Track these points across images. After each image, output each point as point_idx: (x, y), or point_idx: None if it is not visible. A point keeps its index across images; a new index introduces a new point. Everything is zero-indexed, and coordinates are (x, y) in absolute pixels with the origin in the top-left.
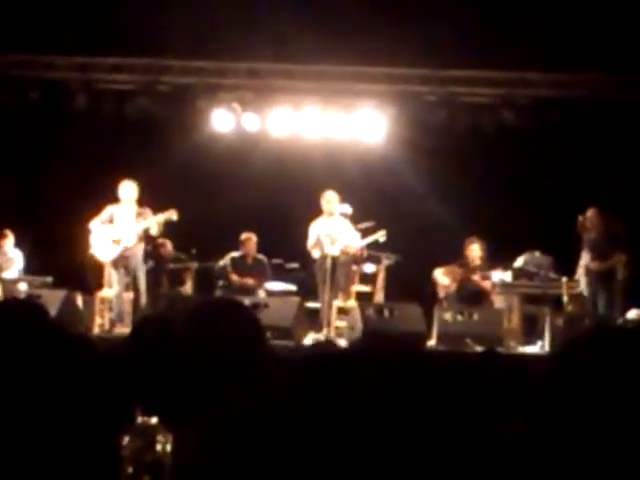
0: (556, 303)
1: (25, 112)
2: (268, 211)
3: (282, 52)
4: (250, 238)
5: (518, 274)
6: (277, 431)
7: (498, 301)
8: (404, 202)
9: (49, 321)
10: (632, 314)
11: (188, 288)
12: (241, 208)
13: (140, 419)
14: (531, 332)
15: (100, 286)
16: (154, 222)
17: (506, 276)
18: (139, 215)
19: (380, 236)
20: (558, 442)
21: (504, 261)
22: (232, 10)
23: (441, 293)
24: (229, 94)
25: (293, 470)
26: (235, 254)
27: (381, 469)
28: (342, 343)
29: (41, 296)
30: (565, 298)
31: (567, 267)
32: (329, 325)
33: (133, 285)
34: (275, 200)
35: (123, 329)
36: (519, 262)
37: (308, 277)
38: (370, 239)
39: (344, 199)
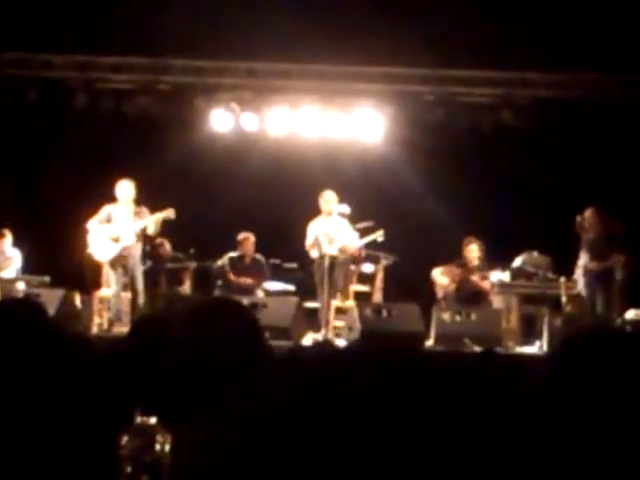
0: (554, 303)
1: (24, 111)
2: (266, 211)
3: (281, 52)
4: (248, 238)
5: (516, 274)
6: (276, 431)
7: (496, 301)
8: (402, 202)
9: (48, 320)
10: (630, 314)
11: (186, 288)
12: (239, 208)
13: (139, 419)
14: (529, 332)
15: (98, 285)
16: (151, 221)
17: (504, 276)
18: (136, 214)
19: (378, 236)
20: (557, 440)
21: (502, 261)
22: (231, 10)
23: (439, 293)
24: (228, 94)
25: (292, 470)
26: (233, 254)
27: (380, 468)
28: (340, 343)
29: (39, 295)
30: (563, 298)
31: (565, 267)
32: (327, 325)
33: (131, 285)
34: (273, 200)
35: (121, 328)
36: (517, 262)
37: (306, 277)
38: (368, 239)
39: (342, 199)
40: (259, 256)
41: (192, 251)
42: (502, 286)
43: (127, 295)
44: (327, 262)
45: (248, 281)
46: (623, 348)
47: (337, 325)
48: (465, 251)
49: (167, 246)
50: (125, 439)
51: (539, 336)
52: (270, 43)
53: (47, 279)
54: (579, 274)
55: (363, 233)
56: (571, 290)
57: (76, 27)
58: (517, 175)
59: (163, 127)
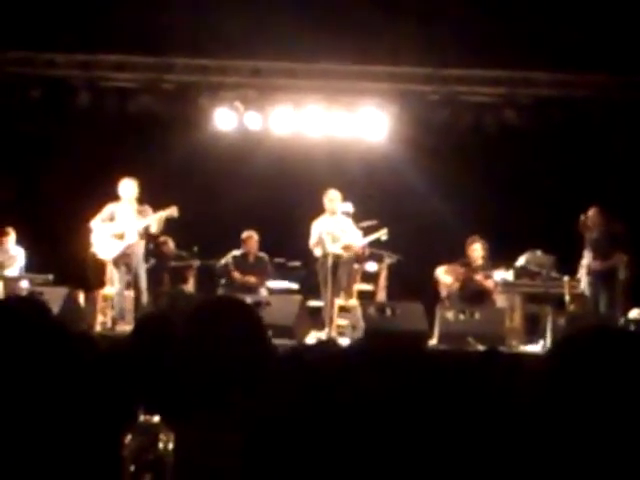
0: (558, 302)
1: (27, 110)
2: (270, 209)
3: (285, 51)
4: (252, 236)
5: (520, 273)
6: (279, 431)
7: (500, 300)
8: (406, 201)
9: (51, 319)
10: (634, 313)
11: (190, 286)
12: (243, 206)
13: (142, 417)
14: (533, 331)
15: (102, 284)
16: (154, 220)
17: (508, 275)
18: (139, 213)
19: (382, 235)
20: (559, 439)
21: (506, 260)
22: (235, 9)
23: (443, 292)
24: (232, 92)
25: (295, 469)
26: (237, 252)
27: (383, 469)
28: (344, 342)
29: (43, 294)
30: (567, 297)
31: (569, 266)
32: (331, 324)
33: (134, 283)
34: (277, 198)
35: (125, 327)
36: (521, 261)
37: (310, 275)
38: (372, 237)
39: (346, 197)
40: (263, 254)
41: (196, 249)
42: (506, 285)
43: (130, 293)
44: (331, 261)
45: (252, 279)
46: (625, 347)
47: (341, 324)
48: (469, 250)
49: (171, 244)
50: (128, 438)
51: (542, 335)
52: (274, 42)
53: (51, 277)
54: (582, 273)
55: (367, 232)
56: (575, 289)
57: (79, 26)
58: (520, 174)
59: (167, 126)
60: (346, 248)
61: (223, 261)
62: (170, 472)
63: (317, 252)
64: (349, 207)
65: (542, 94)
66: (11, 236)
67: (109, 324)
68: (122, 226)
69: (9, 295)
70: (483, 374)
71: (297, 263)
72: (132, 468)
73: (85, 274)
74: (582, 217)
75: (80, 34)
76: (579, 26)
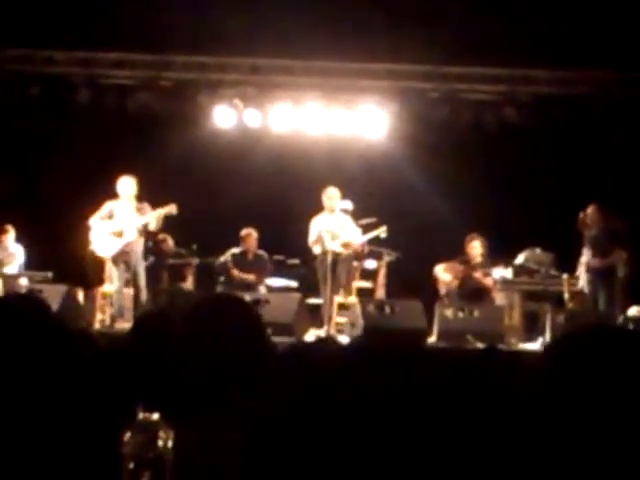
0: (557, 300)
1: (26, 107)
2: (269, 207)
3: (284, 48)
4: (251, 234)
5: (519, 271)
6: (278, 429)
7: (499, 298)
8: (405, 198)
9: (50, 316)
10: (633, 311)
11: (189, 284)
12: (242, 204)
13: (141, 415)
14: (532, 329)
15: (101, 281)
16: (153, 217)
17: (507, 273)
18: (138, 210)
19: (381, 232)
20: (556, 436)
21: (505, 258)
22: (234, 6)
23: (442, 290)
24: (231, 90)
25: (295, 468)
26: (236, 250)
27: (383, 467)
28: (343, 339)
29: (42, 291)
30: (566, 295)
31: (568, 264)
32: (330, 321)
33: (133, 281)
34: (276, 196)
35: (124, 324)
36: (520, 259)
37: (309, 273)
38: (371, 235)
39: (345, 195)
40: (262, 252)
41: (195, 247)
42: (505, 283)
43: (130, 291)
44: (330, 258)
45: (251, 277)
46: (622, 345)
47: (340, 321)
48: (468, 248)
49: (170, 242)
50: (127, 435)
51: (541, 333)
52: (273, 39)
53: (50, 275)
54: (581, 271)
55: (366, 229)
56: (574, 287)
57: (78, 23)
58: (520, 172)
59: (166, 123)
60: (345, 245)
61: (222, 259)
62: (169, 470)
63: (316, 250)
64: (348, 205)
65: (542, 91)
66: (10, 234)
67: (108, 322)
68: (121, 224)
69: (8, 293)
70: (482, 372)
71: (296, 261)
72: (131, 466)
73: (84, 272)
74: (581, 215)
75: (79, 32)
76: (578, 23)
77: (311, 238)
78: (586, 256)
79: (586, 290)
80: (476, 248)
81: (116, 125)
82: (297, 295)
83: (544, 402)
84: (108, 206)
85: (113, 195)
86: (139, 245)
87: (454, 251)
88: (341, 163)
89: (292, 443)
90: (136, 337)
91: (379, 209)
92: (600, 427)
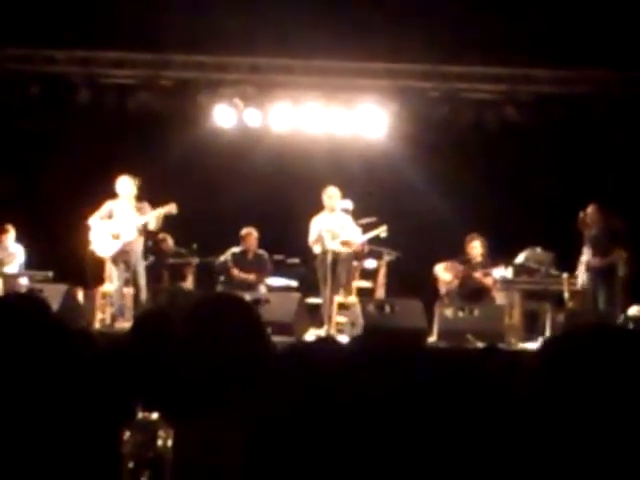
0: (557, 299)
1: (26, 107)
2: (269, 206)
3: (284, 47)
4: (251, 233)
5: (519, 270)
6: (278, 429)
7: (499, 297)
8: (405, 198)
9: (51, 316)
10: (633, 310)
11: (189, 283)
12: (242, 203)
13: (141, 414)
14: (532, 328)
15: (101, 281)
16: (153, 217)
17: (507, 272)
18: (138, 210)
19: (381, 232)
20: (555, 435)
21: (505, 257)
22: (234, 5)
23: (442, 289)
24: (231, 89)
25: (295, 468)
26: (236, 249)
27: (384, 466)
28: (343, 339)
29: (42, 291)
30: (566, 294)
31: (568, 263)
32: (330, 321)
33: (133, 280)
34: (276, 195)
35: (124, 324)
36: (520, 258)
37: (309, 273)
38: (371, 234)
39: (345, 195)
40: (262, 252)
41: (195, 246)
42: (505, 282)
43: (129, 291)
44: (330, 258)
45: (251, 277)
46: (621, 345)
47: (340, 321)
48: (468, 247)
49: (170, 241)
50: (127, 435)
51: (542, 332)
52: (273, 39)
53: (50, 274)
54: (581, 270)
55: (366, 229)
56: (574, 286)
57: (78, 22)
58: (520, 171)
59: (166, 123)
60: (345, 244)
61: (222, 258)
62: (169, 469)
63: (316, 249)
64: (348, 204)
65: (542, 91)
66: (10, 233)
67: (108, 321)
68: (120, 224)
69: (8, 292)
70: (482, 371)
71: (296, 260)
72: (131, 465)
73: (84, 271)
74: (581, 214)
75: (79, 31)
76: (579, 23)
77: (311, 237)
78: (586, 255)
79: (586, 289)
80: (476, 248)
81: (116, 124)
82: (297, 295)
83: (542, 401)
84: (108, 206)
85: (113, 195)
86: (139, 245)
87: (454, 251)
88: (341, 162)
89: (292, 443)
90: (136, 336)
91: (379, 208)
92: (598, 426)
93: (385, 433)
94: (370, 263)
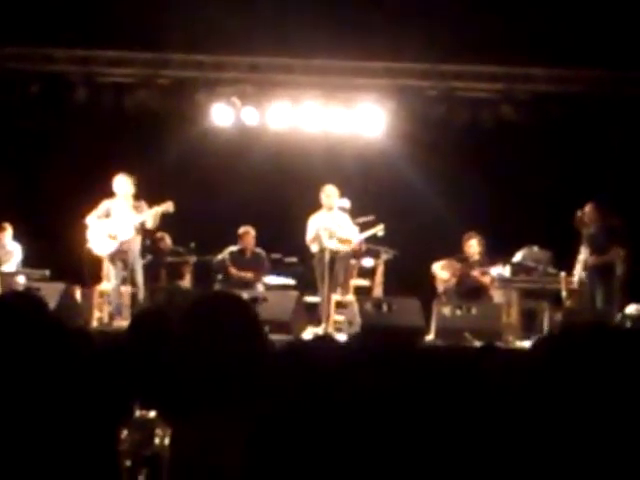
0: (555, 298)
1: (25, 105)
2: (267, 205)
3: (282, 46)
4: (248, 232)
5: (517, 269)
6: (276, 427)
7: (497, 296)
8: (403, 196)
9: (48, 314)
10: (631, 309)
11: (186, 282)
12: (240, 202)
13: (138, 413)
14: (530, 327)
15: (99, 279)
16: (150, 215)
17: (505, 271)
18: (135, 209)
19: (379, 230)
20: (552, 433)
21: (503, 256)
22: (232, 4)
23: (440, 287)
24: (229, 88)
25: (292, 466)
26: (234, 248)
27: (381, 464)
28: (341, 337)
29: (40, 289)
30: (564, 293)
31: (566, 262)
32: (328, 319)
33: (131, 279)
34: (274, 194)
35: (122, 322)
36: (518, 257)
37: (307, 271)
38: (369, 233)
39: (343, 193)
40: (259, 250)
41: (192, 245)
42: (502, 281)
43: (127, 289)
44: (328, 256)
45: (248, 275)
46: (616, 344)
47: (337, 319)
48: (465, 246)
49: (167, 240)
50: (125, 433)
51: (539, 331)
52: (271, 37)
53: (47, 273)
54: (579, 269)
55: (363, 227)
56: (571, 285)
57: (77, 21)
58: (518, 170)
59: (163, 121)
60: (343, 241)
61: (220, 257)
62: (166, 467)
63: (314, 248)
64: (346, 203)
65: (539, 90)
66: (8, 231)
67: (106, 320)
68: (117, 223)
69: (6, 290)
70: (479, 370)
71: (294, 259)
72: (128, 463)
73: (82, 270)
74: (579, 212)
75: (78, 30)
76: (576, 22)
77: (309, 236)
78: (584, 254)
79: (584, 288)
80: (474, 246)
81: (114, 123)
82: (295, 293)
83: (539, 398)
84: (105, 205)
85: (111, 193)
86: (136, 243)
87: (452, 249)
88: (339, 161)
89: (290, 440)
90: (134, 335)
91: (377, 207)
92: (594, 424)
93: (383, 431)
94: (368, 262)
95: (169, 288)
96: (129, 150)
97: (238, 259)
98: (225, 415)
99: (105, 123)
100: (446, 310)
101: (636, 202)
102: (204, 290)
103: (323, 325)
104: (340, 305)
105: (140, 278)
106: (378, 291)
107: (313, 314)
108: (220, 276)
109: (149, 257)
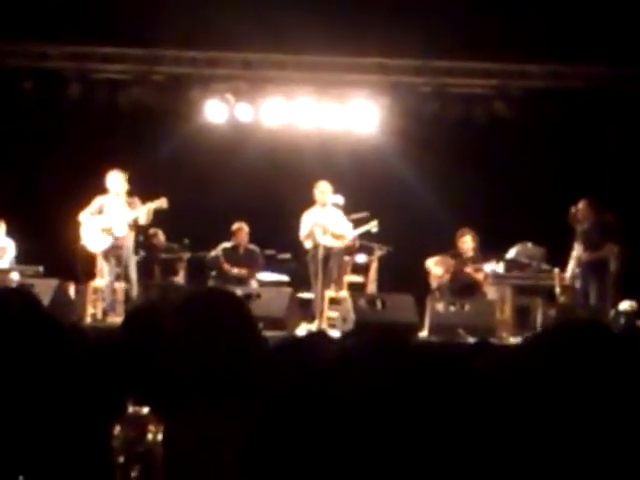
0: (548, 294)
1: (19, 101)
2: (261, 201)
3: (275, 43)
4: (242, 228)
5: (510, 265)
6: (270, 424)
7: (490, 292)
8: (397, 193)
9: (42, 311)
10: (624, 305)
11: (180, 278)
12: (234, 198)
13: (131, 409)
14: (523, 323)
15: (92, 276)
16: (143, 211)
17: (498, 267)
18: (128, 205)
19: (372, 227)
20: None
21: (497, 252)
22: (225, 1)
23: (434, 283)
24: (222, 84)
25: (287, 463)
26: (227, 244)
27: (378, 462)
28: (334, 334)
29: (33, 285)
30: (557, 289)
31: (559, 258)
32: (321, 316)
33: (124, 275)
34: (268, 190)
35: (115, 319)
36: (511, 253)
37: (300, 267)
38: (362, 229)
39: (337, 189)
40: (253, 246)
41: (186, 241)
42: (496, 277)
43: (121, 285)
44: (321, 253)
45: (242, 271)
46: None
47: (331, 316)
48: (459, 242)
49: (161, 236)
50: (118, 429)
51: (533, 327)
52: (265, 34)
53: (41, 269)
54: (573, 265)
55: (357, 224)
56: (565, 281)
57: (71, 18)
58: (511, 166)
59: (157, 118)
60: (336, 237)
61: (213, 253)
62: (159, 463)
63: (307, 244)
64: (339, 199)
65: (533, 86)
66: (1, 227)
67: (99, 316)
68: (110, 219)
69: None
70: (473, 366)
71: (287, 255)
72: (121, 459)
73: (75, 266)
74: (572, 209)
75: (72, 26)
76: (571, 18)
77: (302, 232)
78: (577, 250)
79: (577, 284)
80: (467, 242)
81: (108, 119)
82: (288, 289)
83: (532, 395)
84: (98, 201)
85: (104, 190)
86: (130, 240)
87: (445, 245)
88: (332, 157)
89: (284, 437)
90: (127, 331)
91: (370, 203)
92: (590, 421)
93: (378, 427)
94: (361, 258)
95: (163, 284)
96: (123, 146)
97: (232, 255)
98: (218, 411)
99: (99, 119)
100: (440, 306)
101: (630, 198)
102: (198, 286)
103: (317, 321)
104: (334, 301)
105: (134, 274)
106: (372, 287)
107: (307, 310)
108: (214, 272)
109: (143, 253)
